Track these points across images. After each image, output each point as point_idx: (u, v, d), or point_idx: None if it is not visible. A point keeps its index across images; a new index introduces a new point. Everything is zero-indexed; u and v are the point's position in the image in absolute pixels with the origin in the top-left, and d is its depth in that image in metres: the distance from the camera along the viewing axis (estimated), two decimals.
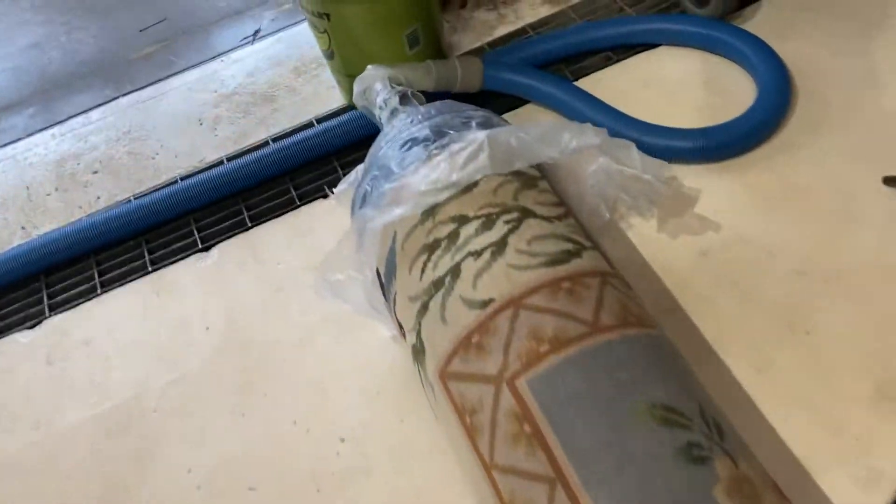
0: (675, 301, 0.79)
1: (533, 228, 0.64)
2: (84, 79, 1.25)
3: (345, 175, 0.92)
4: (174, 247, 0.98)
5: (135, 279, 0.95)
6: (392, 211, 0.67)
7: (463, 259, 0.63)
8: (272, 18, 1.27)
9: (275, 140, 1.06)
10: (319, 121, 1.08)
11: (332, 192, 0.99)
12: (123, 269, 0.97)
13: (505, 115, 1.02)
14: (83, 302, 0.94)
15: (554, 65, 1.05)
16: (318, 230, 0.95)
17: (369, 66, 0.92)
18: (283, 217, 0.97)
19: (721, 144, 0.87)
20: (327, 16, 0.93)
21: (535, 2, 1.15)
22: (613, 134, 0.89)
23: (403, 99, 0.86)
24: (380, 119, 0.88)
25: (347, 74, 1.02)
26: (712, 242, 0.82)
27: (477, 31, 1.13)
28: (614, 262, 0.85)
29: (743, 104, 0.94)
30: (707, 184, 0.87)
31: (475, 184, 0.67)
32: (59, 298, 0.95)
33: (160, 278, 0.94)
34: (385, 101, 0.86)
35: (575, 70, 1.04)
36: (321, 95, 1.11)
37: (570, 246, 0.63)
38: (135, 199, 1.05)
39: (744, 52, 0.96)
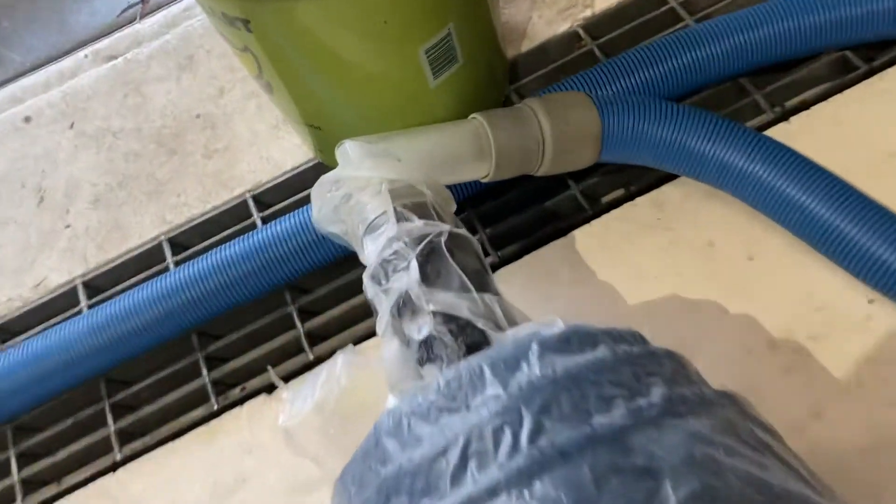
0: None
1: None
2: None
3: (308, 333, 0.54)
4: None
5: None
6: None
7: None
8: None
9: (174, 245, 0.56)
10: (259, 200, 0.57)
11: (282, 386, 0.49)
12: None
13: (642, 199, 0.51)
14: None
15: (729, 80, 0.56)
16: (254, 478, 0.46)
17: (346, 144, 0.42)
18: (184, 438, 0.49)
19: None
20: (245, 23, 0.40)
21: None
22: None
23: (430, 259, 0.35)
24: (373, 301, 0.37)
25: (305, 123, 0.50)
26: None
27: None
28: None
29: None
30: None
31: None
32: None
33: None
34: (387, 265, 0.36)
35: (774, 92, 0.54)
36: (262, 136, 0.59)
37: None
38: None
39: None
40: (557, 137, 0.47)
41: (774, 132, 0.53)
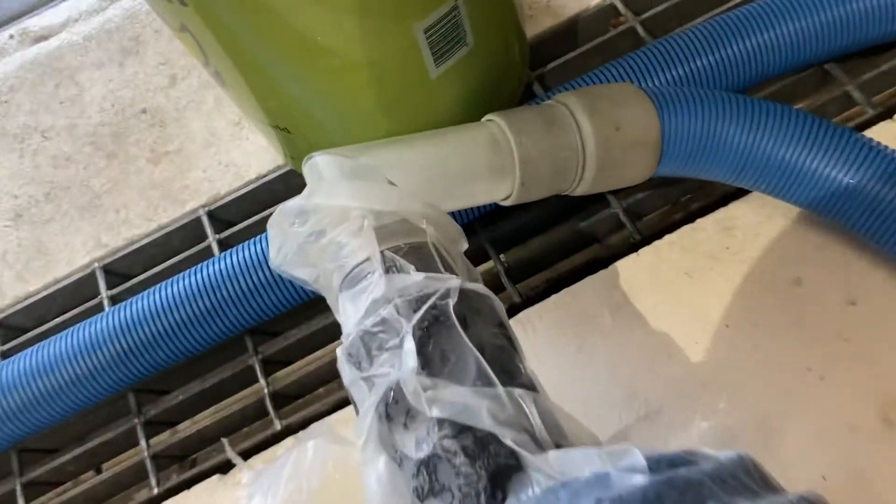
0: None
1: None
2: None
3: (274, 392, 0.43)
4: None
5: None
6: None
7: None
8: None
9: (111, 274, 0.45)
10: (216, 217, 0.47)
11: (240, 464, 0.37)
12: None
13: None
14: None
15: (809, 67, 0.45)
16: None
17: (316, 158, 0.29)
18: None
19: None
20: None
21: None
22: None
23: (433, 333, 0.24)
24: (350, 391, 0.25)
25: (270, 124, 0.38)
26: None
27: None
28: None
29: None
30: None
31: None
32: None
33: None
34: (370, 339, 0.24)
35: (871, 82, 0.42)
36: (222, 136, 0.47)
37: None
38: None
39: None
40: (603, 146, 0.35)
41: (876, 133, 0.41)
